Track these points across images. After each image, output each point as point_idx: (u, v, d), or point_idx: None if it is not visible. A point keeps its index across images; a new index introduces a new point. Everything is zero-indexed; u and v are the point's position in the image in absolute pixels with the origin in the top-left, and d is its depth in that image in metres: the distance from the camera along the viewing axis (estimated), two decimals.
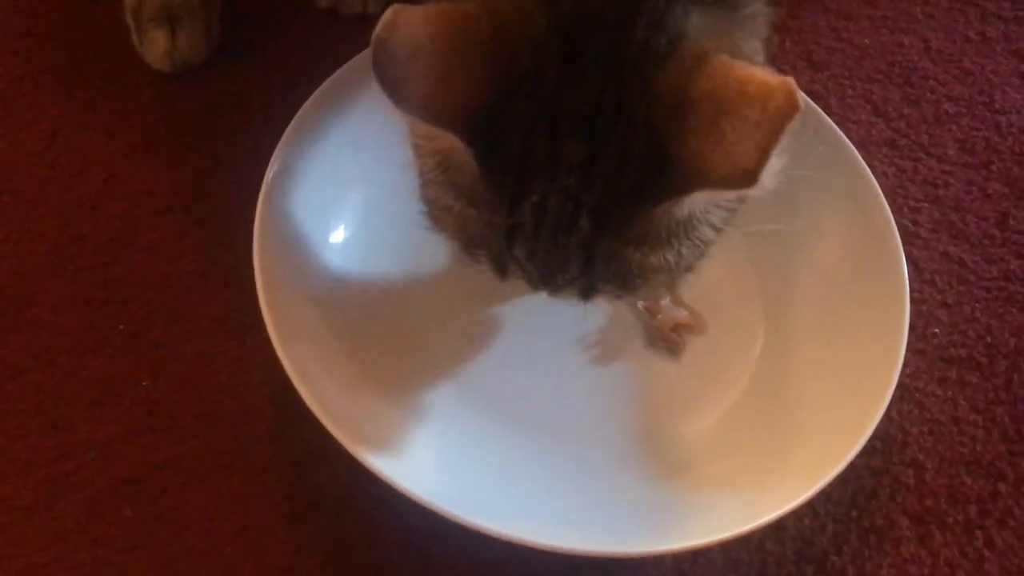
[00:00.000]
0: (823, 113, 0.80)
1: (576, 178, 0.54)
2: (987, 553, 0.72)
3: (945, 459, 0.75)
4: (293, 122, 0.74)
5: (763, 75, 0.50)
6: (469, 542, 0.62)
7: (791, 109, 0.48)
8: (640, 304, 0.76)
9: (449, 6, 0.51)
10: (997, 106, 0.94)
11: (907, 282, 0.73)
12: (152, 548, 0.68)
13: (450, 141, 0.53)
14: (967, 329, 0.81)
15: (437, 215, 0.61)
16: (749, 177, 0.49)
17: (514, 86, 0.52)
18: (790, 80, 0.49)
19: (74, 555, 0.68)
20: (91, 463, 0.71)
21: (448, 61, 0.51)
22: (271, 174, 0.72)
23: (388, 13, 0.50)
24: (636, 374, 0.75)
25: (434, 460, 0.68)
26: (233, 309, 0.76)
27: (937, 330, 0.81)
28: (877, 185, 0.77)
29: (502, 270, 0.60)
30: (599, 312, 0.75)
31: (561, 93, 0.53)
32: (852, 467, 0.67)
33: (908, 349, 0.71)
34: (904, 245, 0.75)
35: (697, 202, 0.56)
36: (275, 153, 0.73)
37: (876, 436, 0.68)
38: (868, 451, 0.72)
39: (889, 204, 0.76)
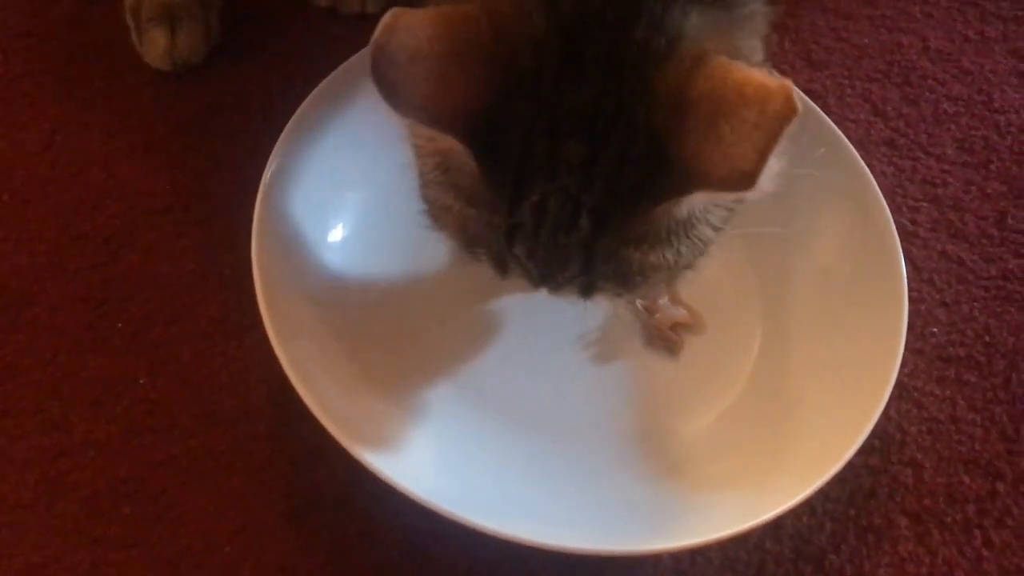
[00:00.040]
0: (822, 112, 0.80)
1: (576, 178, 0.54)
2: (985, 552, 0.72)
3: (943, 458, 0.75)
4: (291, 121, 0.74)
5: (762, 77, 0.50)
6: (468, 541, 0.62)
7: (789, 112, 0.48)
8: (639, 303, 0.76)
9: (449, 8, 0.51)
10: (996, 105, 0.94)
11: (906, 281, 0.73)
12: (151, 547, 0.68)
13: (450, 142, 0.53)
14: (966, 328, 0.81)
15: (437, 214, 0.61)
16: (747, 179, 0.49)
17: (514, 87, 0.52)
18: (789, 83, 0.49)
19: (73, 554, 0.68)
20: (90, 462, 0.71)
21: (448, 64, 0.50)
22: (269, 173, 0.72)
23: (387, 17, 0.49)
24: (634, 373, 0.75)
25: (433, 459, 0.68)
26: (232, 309, 0.76)
27: (936, 329, 0.81)
28: (876, 184, 0.77)
29: (502, 269, 0.60)
30: (598, 311, 0.74)
31: (561, 93, 0.53)
32: (850, 466, 0.67)
33: (907, 348, 0.71)
34: (903, 244, 0.75)
35: (696, 202, 0.56)
36: (273, 152, 0.73)
37: (874, 435, 0.68)
38: (866, 450, 0.72)
39: (888, 203, 0.76)
